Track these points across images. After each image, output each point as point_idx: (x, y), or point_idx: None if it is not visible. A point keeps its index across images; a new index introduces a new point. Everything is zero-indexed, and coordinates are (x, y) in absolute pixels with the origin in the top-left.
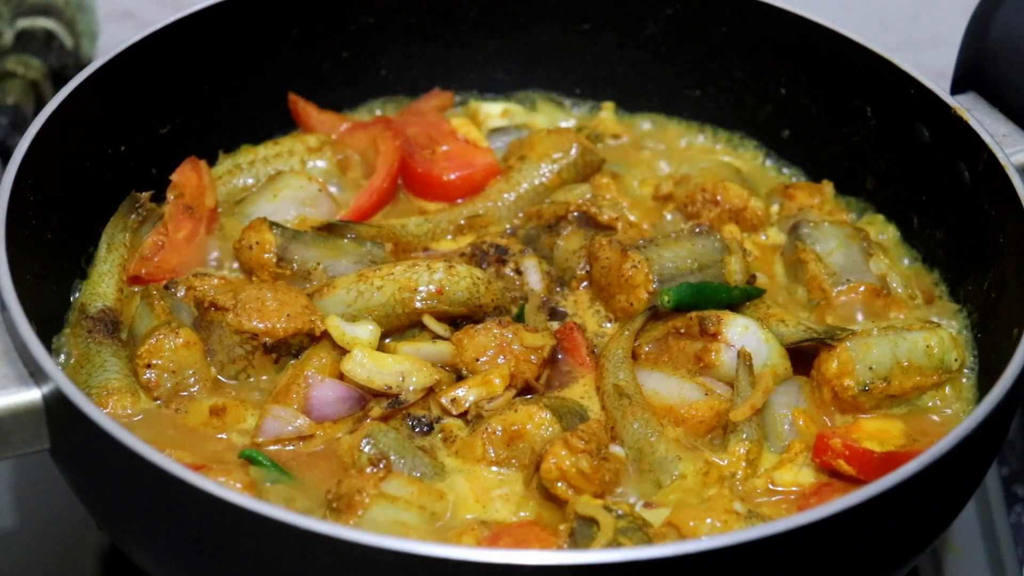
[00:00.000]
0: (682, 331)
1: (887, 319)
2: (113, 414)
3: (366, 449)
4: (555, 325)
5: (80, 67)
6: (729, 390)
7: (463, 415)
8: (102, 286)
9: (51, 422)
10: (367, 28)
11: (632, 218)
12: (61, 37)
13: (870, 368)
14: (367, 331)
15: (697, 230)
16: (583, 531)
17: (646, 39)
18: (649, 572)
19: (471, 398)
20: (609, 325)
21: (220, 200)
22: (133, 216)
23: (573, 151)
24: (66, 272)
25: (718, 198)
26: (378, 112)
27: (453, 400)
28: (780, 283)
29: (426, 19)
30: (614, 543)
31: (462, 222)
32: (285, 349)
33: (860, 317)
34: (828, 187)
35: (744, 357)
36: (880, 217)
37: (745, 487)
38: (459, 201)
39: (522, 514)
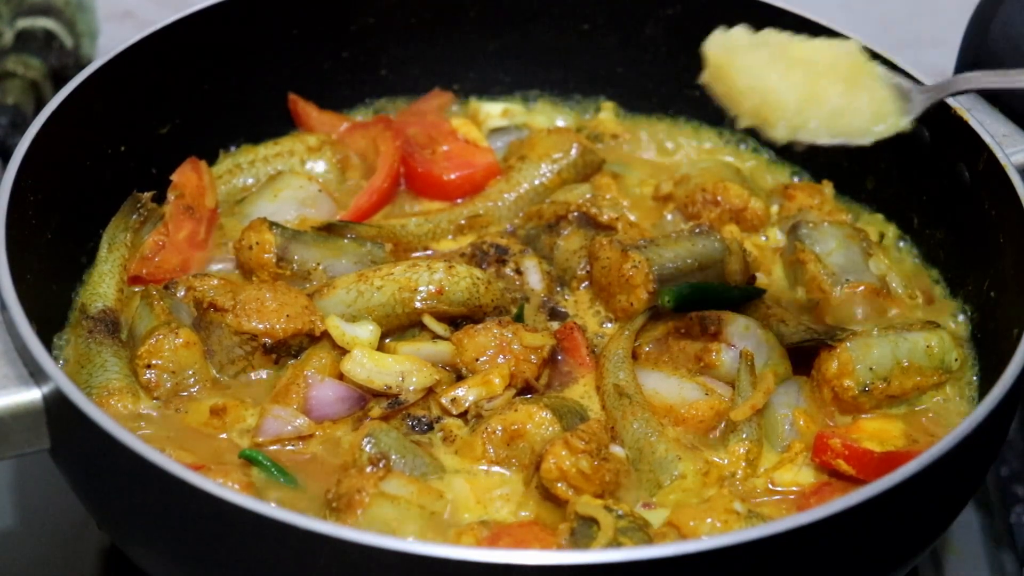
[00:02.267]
0: (682, 331)
1: (887, 319)
2: (115, 414)
3: (367, 448)
4: (555, 325)
5: (80, 67)
6: (729, 390)
7: (463, 415)
8: (103, 286)
9: (51, 422)
10: (367, 28)
11: (632, 218)
12: (61, 37)
13: (870, 368)
14: (367, 331)
15: (697, 230)
16: (583, 531)
17: (646, 39)
18: (649, 572)
19: (471, 398)
20: (609, 325)
21: (220, 200)
22: (135, 216)
23: (573, 151)
24: (66, 272)
25: (718, 198)
26: (378, 112)
27: (453, 400)
28: (780, 283)
29: (426, 19)
30: (614, 543)
31: (462, 222)
32: (285, 349)
33: (860, 317)
34: (828, 187)
35: (746, 357)
36: (880, 217)
37: (745, 487)
38: (459, 201)
39: (522, 514)
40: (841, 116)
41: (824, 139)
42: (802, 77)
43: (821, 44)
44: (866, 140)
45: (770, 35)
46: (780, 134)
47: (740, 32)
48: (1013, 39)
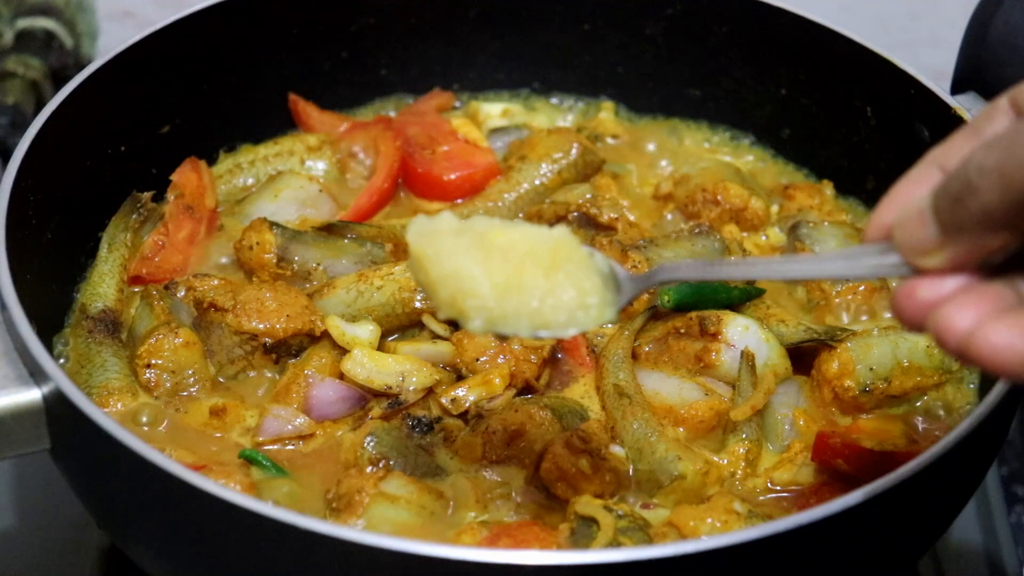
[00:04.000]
0: (682, 331)
1: (887, 319)
2: (114, 414)
3: (370, 447)
4: None
5: (80, 67)
6: (729, 390)
7: (463, 415)
8: (103, 286)
9: (51, 422)
10: (367, 28)
11: (632, 218)
12: (61, 37)
13: (871, 369)
14: (367, 331)
15: (697, 230)
16: (583, 531)
17: (646, 39)
18: (649, 572)
19: (471, 398)
20: (609, 325)
21: (220, 200)
22: (135, 216)
23: (573, 151)
24: (66, 272)
25: (718, 198)
26: (378, 112)
27: (453, 400)
28: (780, 283)
29: (426, 19)
30: (614, 543)
31: None
32: (285, 349)
33: (860, 317)
34: (828, 187)
35: (747, 357)
36: None
37: (745, 487)
38: (459, 201)
39: (522, 514)
40: (543, 306)
41: (525, 332)
42: (500, 264)
43: (527, 230)
44: (568, 332)
45: (476, 222)
46: (477, 327)
47: (446, 218)
48: (1013, 39)
